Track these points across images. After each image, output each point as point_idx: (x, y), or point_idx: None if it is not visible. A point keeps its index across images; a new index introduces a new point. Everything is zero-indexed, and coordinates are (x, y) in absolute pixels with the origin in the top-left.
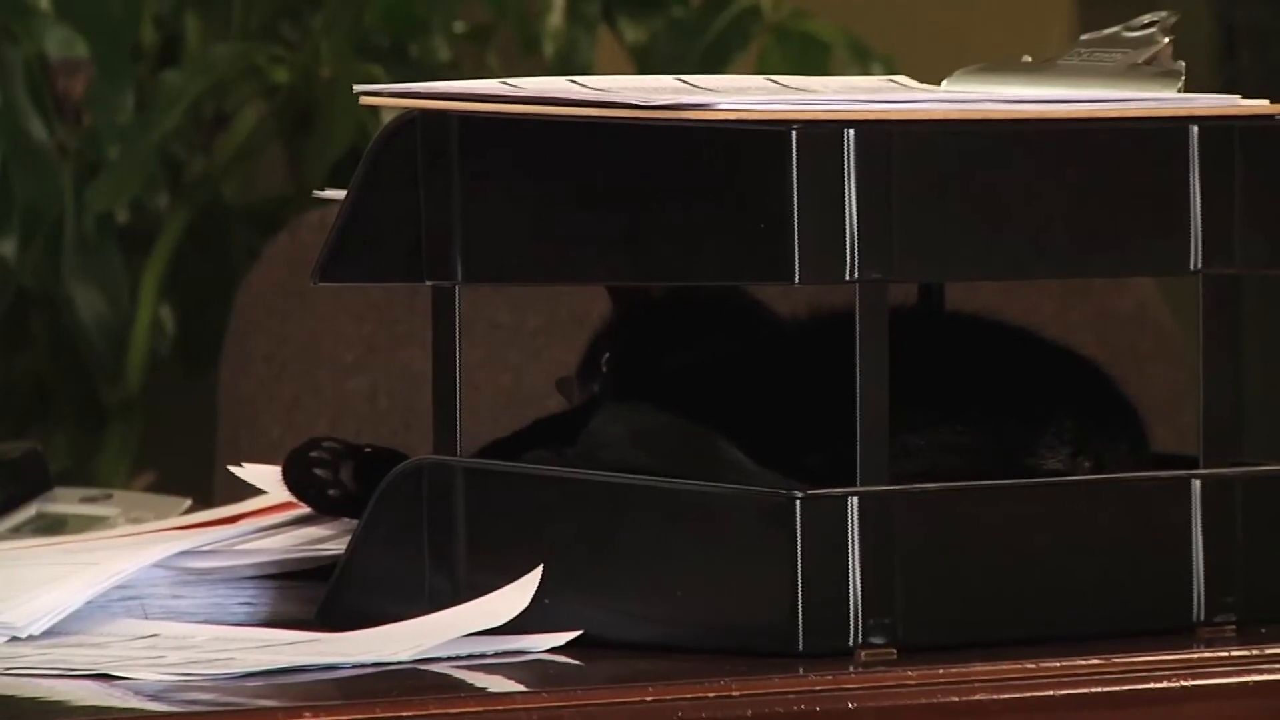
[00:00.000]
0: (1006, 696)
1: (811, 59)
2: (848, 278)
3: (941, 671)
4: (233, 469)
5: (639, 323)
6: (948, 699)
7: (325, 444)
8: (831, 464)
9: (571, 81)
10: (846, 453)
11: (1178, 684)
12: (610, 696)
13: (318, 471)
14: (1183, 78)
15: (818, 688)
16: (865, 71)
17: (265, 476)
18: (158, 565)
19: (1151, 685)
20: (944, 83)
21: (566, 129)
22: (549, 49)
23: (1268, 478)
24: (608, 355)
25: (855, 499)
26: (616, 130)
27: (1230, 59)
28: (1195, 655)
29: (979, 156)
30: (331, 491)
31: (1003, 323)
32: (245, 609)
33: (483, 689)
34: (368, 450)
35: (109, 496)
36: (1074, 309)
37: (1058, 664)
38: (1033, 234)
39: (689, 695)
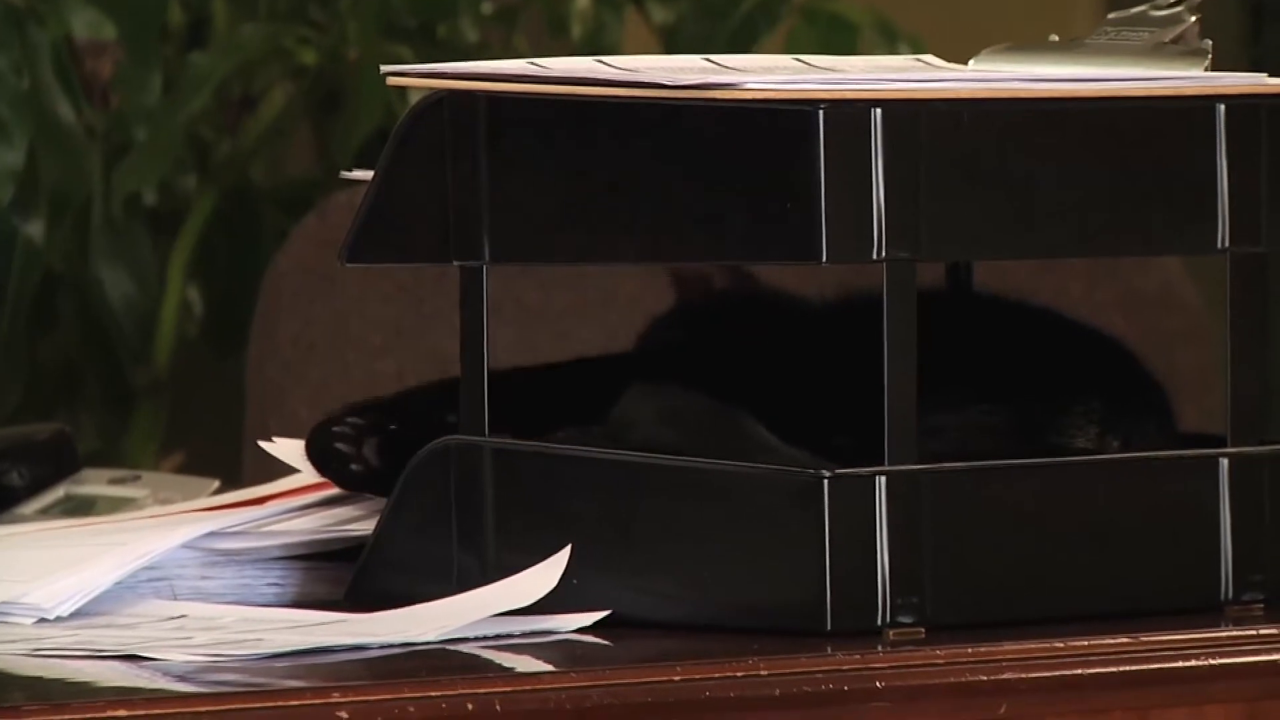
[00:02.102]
0: (1034, 675)
1: (839, 39)
2: (874, 257)
3: (970, 651)
4: (263, 444)
5: (701, 309)
6: (976, 678)
7: (349, 419)
8: (859, 444)
9: (599, 62)
10: (874, 433)
11: (1205, 663)
12: (638, 676)
13: (340, 446)
14: (1209, 56)
15: (845, 667)
16: (893, 51)
17: (295, 452)
18: (186, 546)
19: (1179, 664)
20: (971, 62)
21: (594, 109)
22: (576, 30)
23: None
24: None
25: (883, 478)
26: (643, 110)
27: (1257, 37)
28: (1223, 634)
29: (1006, 136)
30: (354, 466)
31: (1029, 303)
32: (273, 590)
33: (510, 669)
34: (393, 427)
35: (137, 478)
36: (1101, 288)
37: (1085, 643)
38: (1060, 213)
39: (717, 675)
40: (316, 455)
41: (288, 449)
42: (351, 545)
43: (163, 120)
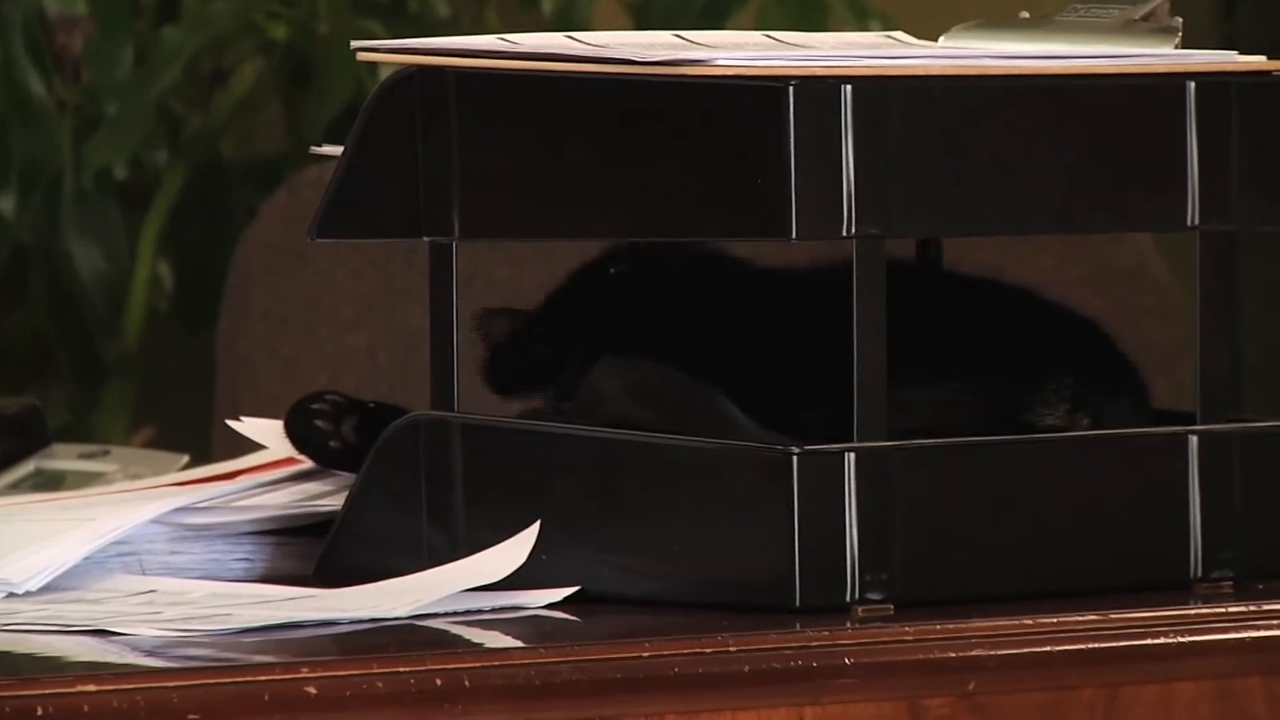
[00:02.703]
0: (1003, 653)
1: (810, 15)
2: (845, 234)
3: (938, 627)
4: (232, 424)
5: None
6: (945, 655)
7: (328, 397)
8: (828, 420)
9: (569, 38)
10: (843, 409)
11: (1175, 640)
12: (607, 652)
13: (319, 424)
14: (1180, 34)
15: (814, 643)
16: (863, 28)
17: (265, 431)
18: (155, 521)
19: (1149, 641)
20: (941, 39)
21: (564, 85)
22: (547, 5)
23: (1265, 434)
24: (615, 268)
25: (852, 455)
26: (614, 86)
27: (1228, 16)
28: (1193, 611)
29: (976, 112)
30: (332, 444)
31: (1001, 281)
32: (243, 565)
33: (480, 645)
34: (371, 405)
35: (107, 453)
36: (1071, 265)
37: (1055, 620)
38: (1030, 190)
39: (686, 650)
40: (295, 432)
41: (257, 428)
42: (321, 520)
43: (134, 95)
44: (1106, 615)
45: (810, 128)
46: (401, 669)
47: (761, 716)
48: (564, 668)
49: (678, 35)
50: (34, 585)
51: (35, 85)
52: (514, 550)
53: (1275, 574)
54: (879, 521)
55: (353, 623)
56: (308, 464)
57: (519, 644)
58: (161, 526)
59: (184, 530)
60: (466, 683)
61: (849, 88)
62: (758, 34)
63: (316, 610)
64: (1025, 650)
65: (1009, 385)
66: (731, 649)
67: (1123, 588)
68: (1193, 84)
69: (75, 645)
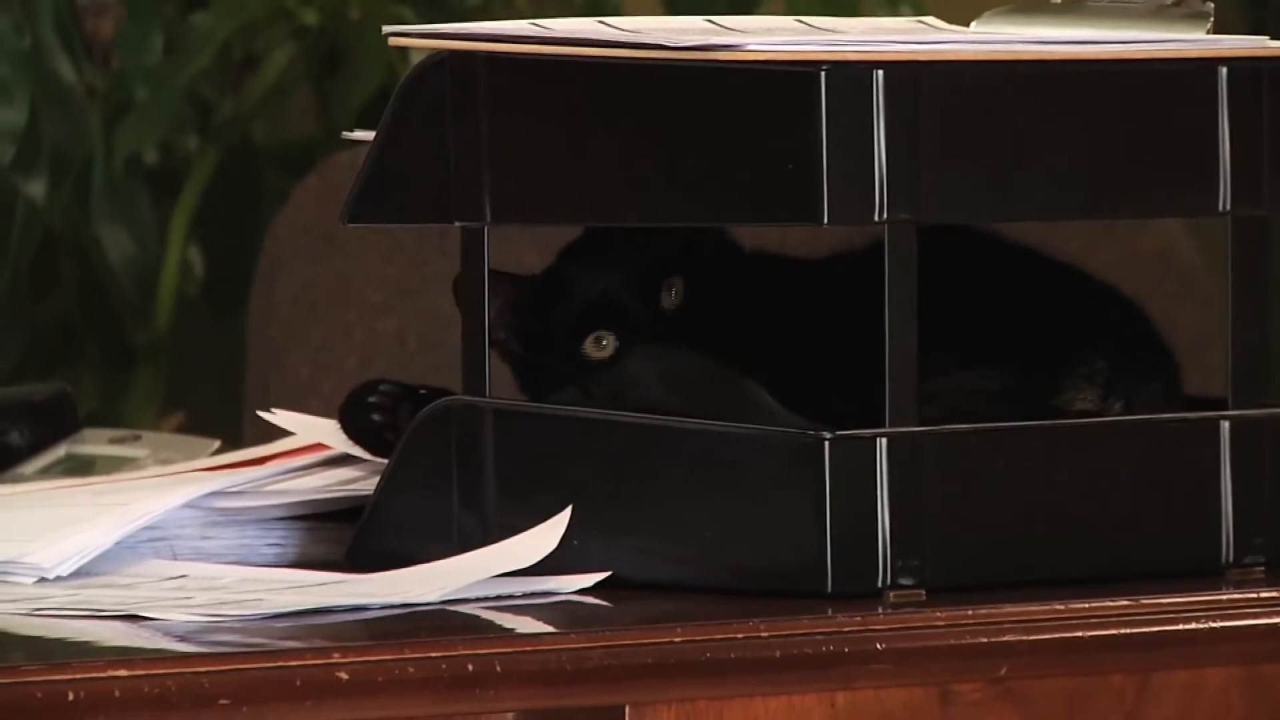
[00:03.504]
0: (1035, 638)
1: (841, 0)
2: (876, 219)
3: (970, 613)
4: (263, 414)
5: (711, 259)
6: (976, 640)
7: (382, 387)
8: (860, 406)
9: (600, 22)
10: (875, 394)
11: (1206, 625)
12: (638, 638)
13: (375, 417)
14: (1211, 19)
15: (846, 629)
16: (894, 12)
17: (295, 422)
18: (186, 506)
19: (1180, 626)
20: (973, 24)
21: (595, 70)
22: None
23: None
24: (674, 284)
25: (884, 440)
26: (645, 71)
27: (1259, 1)
28: (1224, 597)
29: (1007, 98)
30: (388, 436)
31: (1034, 254)
32: (274, 550)
33: (511, 630)
34: (423, 391)
35: (138, 438)
36: (1100, 250)
37: (1086, 605)
38: (1061, 176)
39: (717, 636)
40: (351, 427)
41: (288, 419)
42: (353, 506)
43: (164, 80)
44: (1138, 601)
45: (842, 113)
46: (433, 654)
47: (793, 702)
48: (596, 653)
49: (709, 20)
50: (65, 570)
51: (65, 71)
52: (545, 535)
53: None
54: (911, 507)
55: (384, 608)
56: (339, 449)
57: (550, 629)
58: (193, 511)
59: (215, 515)
60: (498, 668)
61: (880, 73)
62: (789, 19)
63: (348, 595)
64: (1056, 635)
65: (1043, 370)
66: (763, 634)
67: (1154, 573)
68: (1225, 69)
69: (106, 630)
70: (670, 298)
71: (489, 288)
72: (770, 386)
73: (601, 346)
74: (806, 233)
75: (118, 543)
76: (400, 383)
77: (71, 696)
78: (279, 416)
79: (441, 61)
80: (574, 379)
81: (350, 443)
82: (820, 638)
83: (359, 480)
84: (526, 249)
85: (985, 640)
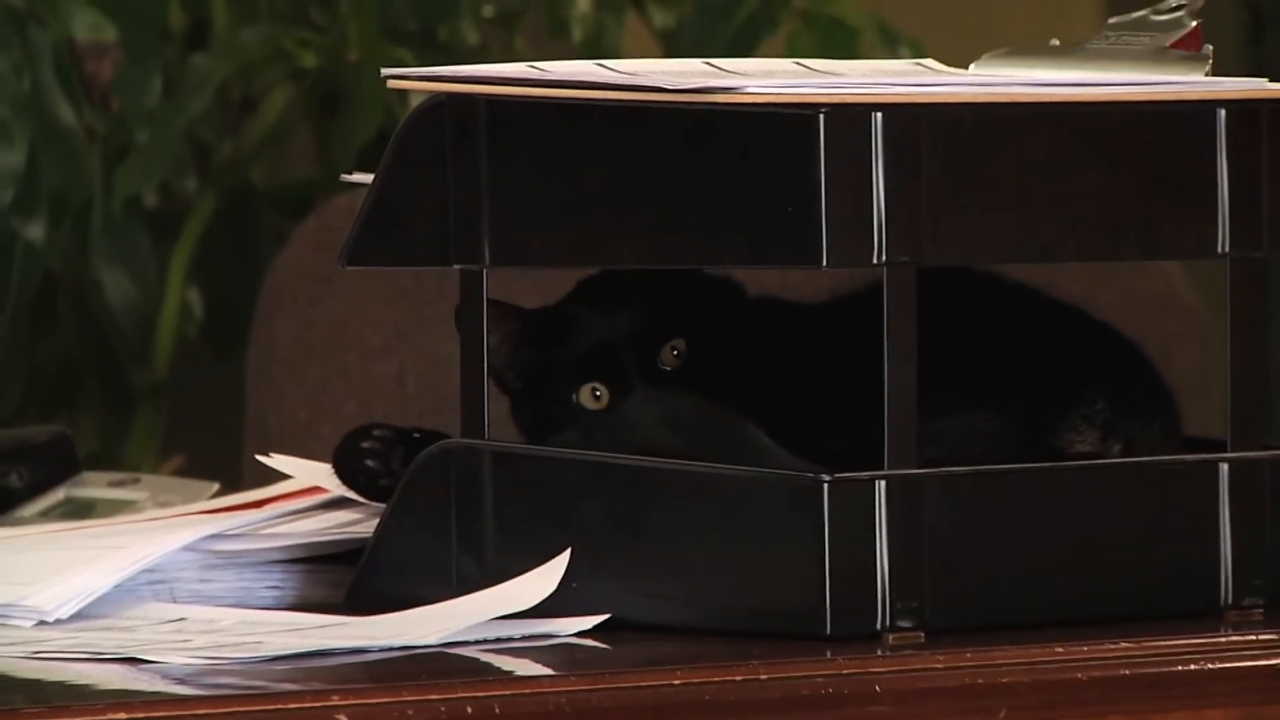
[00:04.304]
0: (1034, 680)
1: (840, 43)
2: (875, 261)
3: (969, 655)
4: (261, 459)
5: (713, 303)
6: (975, 682)
7: (375, 433)
8: (858, 449)
9: (599, 65)
10: (873, 437)
11: (1205, 667)
12: (638, 680)
13: (369, 463)
14: (1210, 61)
15: (845, 671)
16: (893, 55)
17: (294, 465)
18: (185, 549)
19: (1179, 668)
20: (972, 66)
21: (594, 112)
22: (577, 33)
23: None
24: (676, 346)
25: (883, 483)
26: (644, 114)
27: (1257, 42)
28: (1223, 639)
29: (1007, 140)
30: (383, 482)
31: (1033, 294)
32: (273, 592)
33: (510, 672)
34: (416, 435)
35: (137, 480)
36: (1100, 291)
37: (1085, 648)
38: (1060, 217)
39: (716, 678)
40: (345, 473)
41: (287, 464)
42: (352, 548)
43: (163, 122)
44: (1138, 643)
45: (841, 155)
46: (432, 696)
47: None
48: (595, 695)
49: (708, 63)
50: (64, 613)
51: (65, 113)
52: (544, 578)
53: None
54: (910, 549)
55: (383, 650)
56: (336, 492)
57: (550, 672)
58: (191, 554)
59: (214, 558)
60: (497, 710)
61: (879, 115)
62: (788, 61)
63: (347, 638)
64: (1056, 677)
65: (1041, 412)
66: (762, 677)
67: (1153, 615)
68: (1224, 111)
69: (106, 673)
70: (671, 356)
71: (491, 319)
72: (770, 429)
73: (596, 398)
74: (806, 275)
75: (117, 585)
76: (394, 427)
77: None
78: (277, 460)
79: (440, 104)
80: (569, 423)
81: (344, 487)
82: (819, 680)
83: (357, 523)
84: (526, 290)
85: (984, 682)
